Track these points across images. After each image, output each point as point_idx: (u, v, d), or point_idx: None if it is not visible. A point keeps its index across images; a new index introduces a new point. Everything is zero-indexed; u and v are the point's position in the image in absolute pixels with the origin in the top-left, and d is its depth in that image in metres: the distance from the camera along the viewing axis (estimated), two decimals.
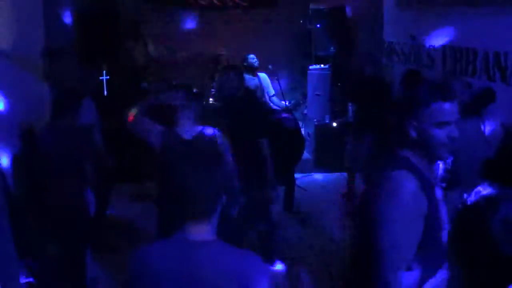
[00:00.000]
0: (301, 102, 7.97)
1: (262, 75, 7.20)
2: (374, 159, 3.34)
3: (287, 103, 7.21)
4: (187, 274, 1.82)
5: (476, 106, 4.13)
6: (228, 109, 4.29)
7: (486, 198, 1.68)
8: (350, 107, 7.37)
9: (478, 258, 1.57)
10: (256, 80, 7.03)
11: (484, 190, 2.78)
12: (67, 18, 6.15)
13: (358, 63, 5.98)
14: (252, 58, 7.10)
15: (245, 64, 7.01)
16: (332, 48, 7.74)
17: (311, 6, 8.05)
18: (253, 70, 7.04)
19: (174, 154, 3.19)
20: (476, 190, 2.83)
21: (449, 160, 3.10)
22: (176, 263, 1.84)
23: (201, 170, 1.88)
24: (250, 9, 8.74)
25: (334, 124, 7.36)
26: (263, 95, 7.14)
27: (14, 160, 3.76)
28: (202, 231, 1.86)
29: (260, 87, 7.07)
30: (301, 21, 8.56)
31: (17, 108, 3.97)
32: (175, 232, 1.92)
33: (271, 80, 7.33)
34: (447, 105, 2.03)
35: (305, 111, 8.10)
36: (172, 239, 1.92)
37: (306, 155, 7.52)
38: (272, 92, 7.30)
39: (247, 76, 7.02)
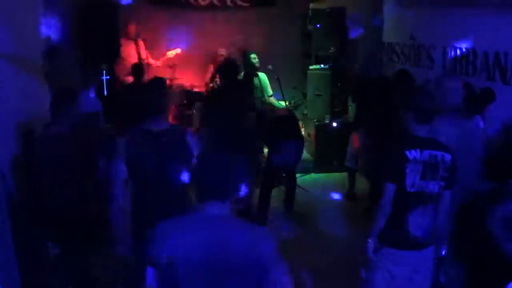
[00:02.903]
0: (301, 102, 7.96)
1: (261, 75, 7.20)
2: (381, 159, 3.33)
3: (287, 103, 7.20)
4: (209, 245, 2.08)
5: (476, 106, 4.13)
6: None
7: (485, 196, 1.71)
8: (350, 107, 7.38)
9: (479, 255, 1.57)
10: (256, 80, 7.02)
11: (483, 188, 2.79)
12: (67, 18, 6.15)
13: (361, 64, 5.98)
14: (254, 57, 7.10)
15: (246, 63, 7.00)
16: (332, 48, 7.74)
17: (311, 6, 8.05)
18: (254, 69, 7.03)
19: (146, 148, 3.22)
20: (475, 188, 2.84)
21: (449, 159, 3.10)
22: (198, 236, 2.09)
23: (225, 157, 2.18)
24: (250, 9, 8.74)
25: (334, 124, 7.36)
26: (262, 95, 7.14)
27: (15, 161, 3.76)
28: (218, 209, 2.15)
29: (260, 87, 7.07)
30: (301, 21, 8.56)
31: (17, 109, 3.97)
32: (151, 226, 2.17)
33: (271, 80, 7.33)
34: None
35: (305, 111, 8.10)
36: (192, 216, 2.21)
37: (306, 155, 7.52)
38: (270, 92, 7.30)
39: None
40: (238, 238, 2.11)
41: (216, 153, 2.24)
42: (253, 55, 7.08)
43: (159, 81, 3.63)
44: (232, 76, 5.31)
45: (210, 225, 2.12)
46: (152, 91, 3.45)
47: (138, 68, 6.75)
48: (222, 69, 5.46)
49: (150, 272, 2.19)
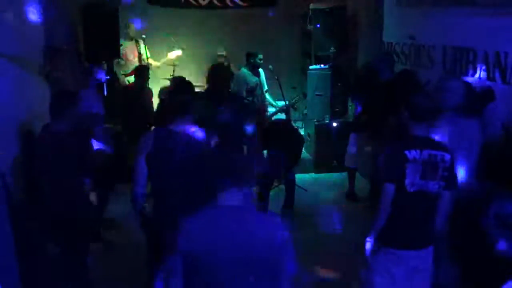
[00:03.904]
0: (298, 99, 7.97)
1: (260, 71, 7.22)
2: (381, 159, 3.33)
3: (286, 102, 7.20)
4: (231, 235, 2.21)
5: (476, 106, 4.13)
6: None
7: (480, 195, 1.71)
8: (350, 107, 7.37)
9: (475, 254, 1.57)
10: (256, 78, 7.03)
11: (477, 187, 2.79)
12: (67, 18, 6.15)
13: (374, 65, 5.94)
14: (261, 58, 7.12)
15: (252, 61, 7.01)
16: (332, 48, 7.74)
17: (311, 6, 8.05)
18: (256, 69, 7.05)
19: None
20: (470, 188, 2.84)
21: (448, 159, 3.11)
22: (221, 228, 2.23)
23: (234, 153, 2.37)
24: (250, 9, 8.74)
25: (334, 124, 7.35)
26: (262, 92, 7.15)
27: (15, 161, 3.77)
28: (237, 197, 2.29)
29: (260, 84, 7.08)
30: (301, 21, 8.56)
31: (17, 109, 3.97)
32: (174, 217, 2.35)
33: (271, 80, 7.34)
34: None
35: (305, 111, 8.10)
36: (213, 207, 2.33)
37: (306, 155, 7.52)
38: (266, 87, 7.32)
39: (248, 74, 7.03)
40: (259, 227, 2.25)
41: (229, 145, 2.38)
42: (260, 56, 7.12)
43: (186, 84, 3.68)
44: (220, 83, 5.15)
45: (231, 216, 2.25)
46: (179, 93, 3.52)
47: (143, 70, 6.77)
48: (210, 74, 5.19)
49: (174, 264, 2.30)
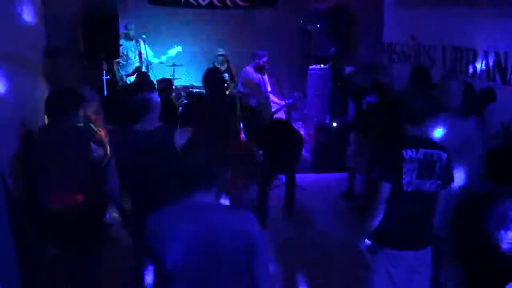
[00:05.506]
0: (298, 97, 7.97)
1: None
2: (377, 158, 3.33)
3: (287, 102, 7.21)
4: (199, 233, 2.16)
5: (476, 106, 4.13)
6: None
7: (481, 196, 1.71)
8: (350, 107, 7.38)
9: (477, 256, 1.56)
10: (259, 77, 7.06)
11: (479, 188, 2.79)
12: (67, 18, 6.14)
13: (357, 71, 5.97)
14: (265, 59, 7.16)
15: (257, 60, 7.06)
16: (332, 48, 7.74)
17: (311, 6, 8.06)
18: (260, 68, 7.09)
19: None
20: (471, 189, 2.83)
21: (445, 158, 3.10)
22: (189, 226, 2.18)
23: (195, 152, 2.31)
24: (250, 9, 8.75)
25: (334, 124, 7.36)
26: (266, 91, 7.16)
27: (14, 161, 3.76)
28: (206, 197, 2.26)
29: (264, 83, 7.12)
30: (301, 21, 8.57)
31: (17, 109, 3.97)
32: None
33: (271, 79, 7.36)
34: None
35: (305, 111, 8.10)
36: (181, 206, 2.27)
37: (306, 155, 7.53)
38: (269, 88, 7.34)
39: (250, 72, 7.07)
40: (226, 224, 2.21)
41: (198, 145, 2.36)
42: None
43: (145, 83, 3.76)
44: (217, 87, 5.19)
45: (199, 214, 2.21)
46: (140, 92, 3.59)
47: (143, 74, 6.77)
48: (206, 78, 5.19)
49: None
